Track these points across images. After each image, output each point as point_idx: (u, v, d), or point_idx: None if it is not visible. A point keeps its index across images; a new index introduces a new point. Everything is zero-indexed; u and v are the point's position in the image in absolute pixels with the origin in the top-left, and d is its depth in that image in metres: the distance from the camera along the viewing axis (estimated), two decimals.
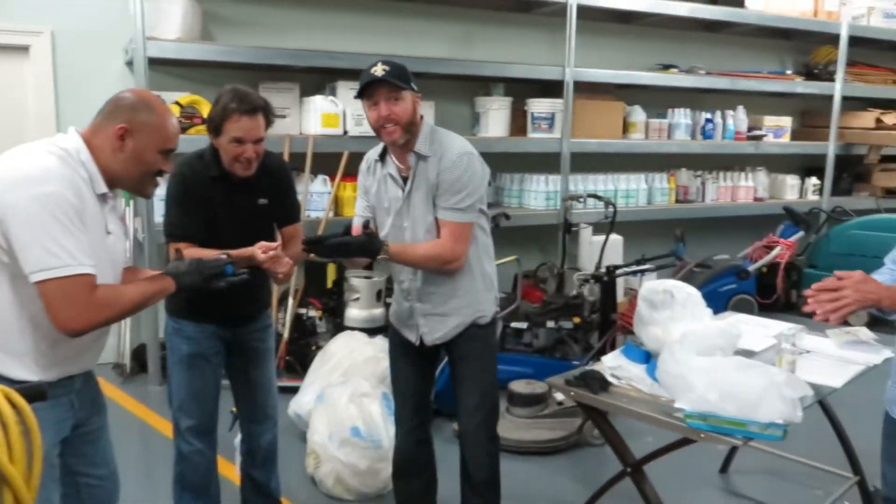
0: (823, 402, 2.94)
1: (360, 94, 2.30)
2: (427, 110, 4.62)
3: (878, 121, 6.18)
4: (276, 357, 4.10)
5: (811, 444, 3.19)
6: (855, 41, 6.13)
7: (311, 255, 2.58)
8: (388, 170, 2.41)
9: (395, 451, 2.63)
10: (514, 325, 4.27)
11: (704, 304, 2.36)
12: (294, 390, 3.59)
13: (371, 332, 3.85)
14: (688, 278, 5.12)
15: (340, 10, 4.76)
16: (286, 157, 4.16)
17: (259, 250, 2.26)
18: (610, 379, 2.32)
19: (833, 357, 2.58)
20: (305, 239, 2.30)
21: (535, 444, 3.46)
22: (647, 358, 2.35)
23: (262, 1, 4.57)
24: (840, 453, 3.08)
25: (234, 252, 2.20)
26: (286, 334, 4.14)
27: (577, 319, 4.23)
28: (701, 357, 2.09)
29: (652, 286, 2.35)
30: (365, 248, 2.27)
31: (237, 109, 2.27)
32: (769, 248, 5.54)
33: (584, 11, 5.02)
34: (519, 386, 3.61)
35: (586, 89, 5.19)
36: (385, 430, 2.97)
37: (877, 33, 6.19)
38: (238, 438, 2.76)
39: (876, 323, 2.60)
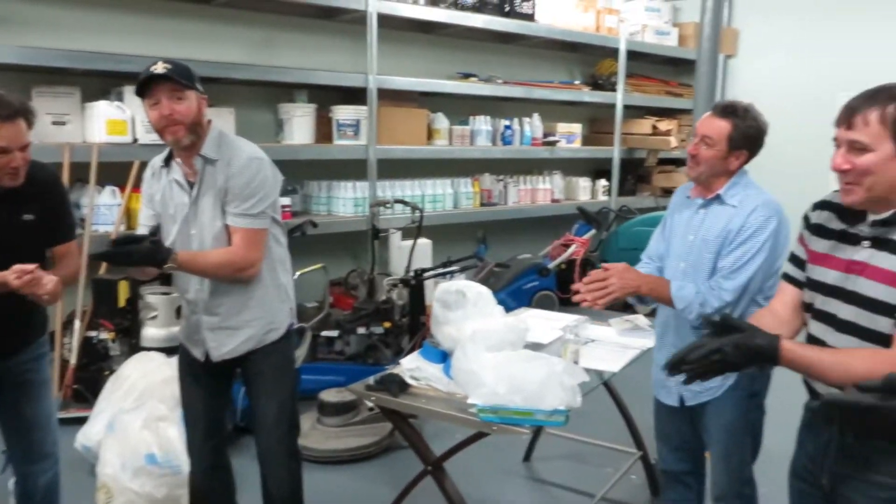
0: (609, 386, 3.20)
1: (140, 93, 2.18)
2: (227, 117, 4.45)
3: (654, 127, 6.84)
4: (63, 386, 3.77)
5: (602, 426, 3.45)
6: (632, 55, 6.73)
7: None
8: (173, 175, 2.30)
9: (190, 479, 2.51)
10: (324, 333, 4.23)
11: (495, 301, 2.47)
12: (84, 421, 3.30)
13: (171, 351, 3.63)
14: (491, 278, 5.37)
15: (130, 11, 4.45)
16: (66, 168, 3.82)
17: (12, 276, 2.03)
18: (409, 381, 2.37)
19: (614, 344, 2.81)
20: (93, 254, 2.13)
21: (346, 452, 3.45)
22: (444, 357, 2.42)
23: None
24: (626, 432, 3.37)
25: None
26: (73, 360, 3.80)
27: (387, 324, 4.28)
28: (490, 352, 2.19)
29: (445, 287, 2.43)
30: (150, 256, 2.13)
31: None
32: (566, 245, 5.94)
33: (385, 20, 5.08)
34: (329, 395, 3.57)
35: (390, 97, 5.26)
36: (185, 455, 2.80)
37: (650, 48, 6.84)
38: (12, 481, 2.49)
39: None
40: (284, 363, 2.45)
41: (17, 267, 2.05)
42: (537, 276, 5.60)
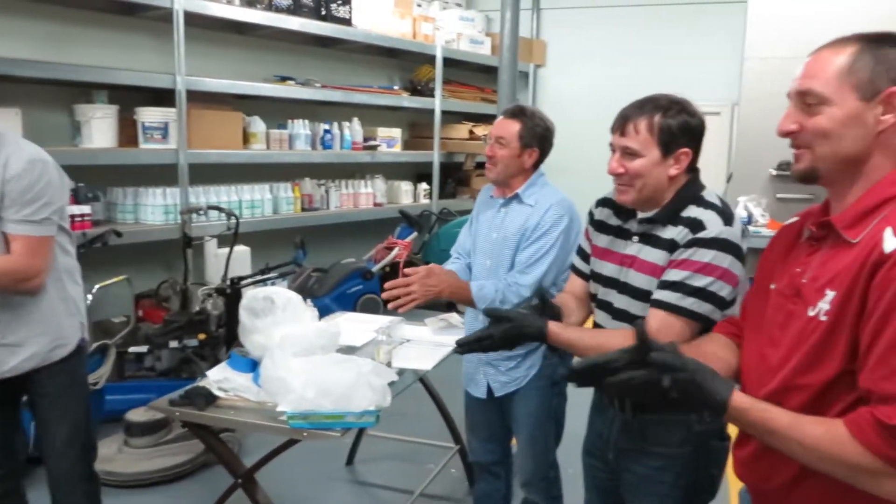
0: (426, 384, 3.28)
1: None
2: (12, 118, 4.05)
3: (471, 132, 7.09)
4: None
5: (423, 424, 3.53)
6: (449, 62, 6.94)
7: None
8: None
9: None
10: (132, 349, 3.97)
11: (305, 306, 2.44)
12: None
13: None
14: (315, 284, 5.31)
15: None
16: None
17: None
18: (217, 392, 2.28)
19: (428, 343, 2.87)
20: None
21: (158, 473, 3.26)
22: (254, 366, 2.36)
23: None
24: (446, 428, 3.47)
25: None
26: None
27: (202, 336, 4.10)
28: (298, 358, 2.16)
29: (252, 294, 2.37)
30: None
31: None
32: (389, 249, 6.00)
33: (193, 18, 4.86)
34: (136, 414, 3.36)
35: (202, 99, 5.05)
36: None
37: (465, 56, 7.09)
38: None
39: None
40: (75, 381, 2.28)
41: None
42: (361, 280, 5.61)
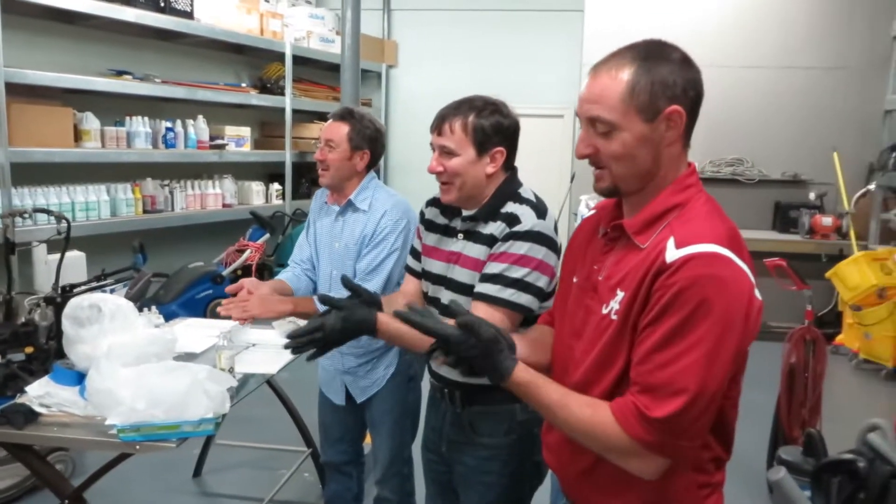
0: (275, 388, 3.22)
1: None
2: None
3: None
4: None
5: (275, 429, 3.46)
6: (299, 60, 6.82)
7: None
8: None
9: None
10: None
11: (136, 314, 2.32)
12: None
13: None
14: (161, 289, 5.06)
15: None
16: None
17: None
18: (38, 409, 2.13)
19: (275, 346, 2.82)
20: None
21: None
22: (80, 379, 2.22)
23: None
24: (297, 432, 3.42)
25: None
26: None
27: (29, 349, 3.77)
28: (127, 367, 2.06)
29: (76, 302, 2.23)
30: None
31: None
32: (241, 251, 5.82)
33: (12, 5, 4.48)
34: None
35: (25, 92, 4.65)
36: None
37: (316, 54, 7.00)
38: None
39: None
40: None
41: None
42: (211, 284, 5.40)
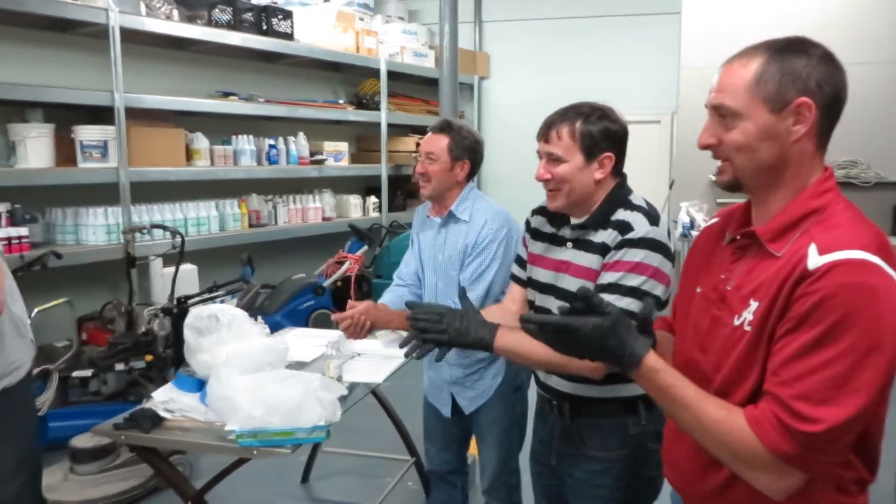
0: (379, 397, 3.27)
1: None
2: None
3: (418, 145, 7.11)
4: None
5: (378, 437, 3.52)
6: (393, 75, 6.96)
7: None
8: None
9: None
10: (76, 374, 3.86)
11: (252, 323, 2.42)
12: None
13: None
14: (265, 300, 5.25)
15: None
16: None
17: None
18: (163, 414, 2.24)
19: (378, 356, 2.87)
20: None
21: (106, 500, 3.18)
22: (200, 386, 2.32)
23: None
24: (400, 441, 3.46)
25: None
26: None
27: (149, 357, 4.01)
28: (245, 375, 2.14)
29: (196, 313, 2.34)
30: None
31: None
32: (340, 263, 5.97)
33: (132, 35, 4.79)
34: (81, 440, 3.27)
35: (142, 116, 4.96)
36: None
37: (409, 69, 7.13)
38: None
39: None
40: (24, 405, 2.24)
41: None
42: (313, 296, 5.56)
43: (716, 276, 1.34)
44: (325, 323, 5.43)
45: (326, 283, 5.69)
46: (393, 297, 2.68)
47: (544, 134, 1.78)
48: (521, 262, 1.99)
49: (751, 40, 1.30)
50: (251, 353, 2.24)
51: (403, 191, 7.29)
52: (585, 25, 7.45)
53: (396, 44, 7.05)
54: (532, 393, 2.62)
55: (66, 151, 4.67)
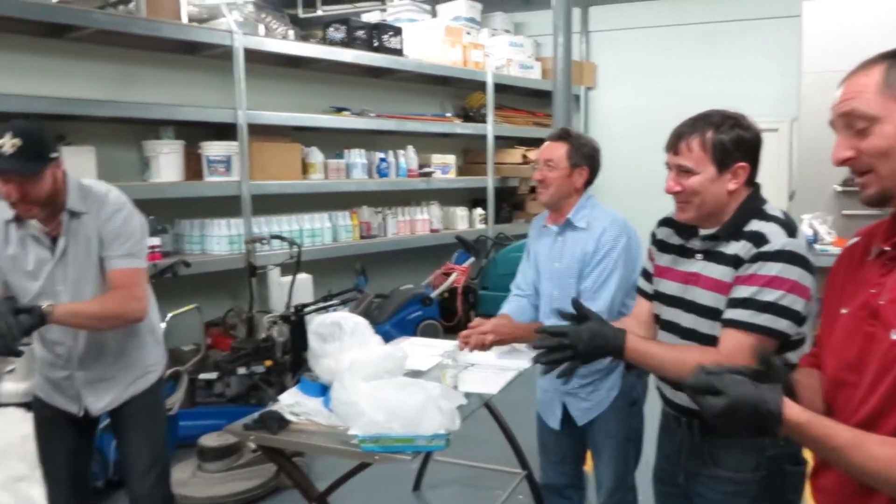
0: (491, 408, 3.27)
1: None
2: (86, 156, 4.25)
3: (525, 157, 7.12)
4: None
5: (488, 448, 3.52)
6: (499, 87, 7.00)
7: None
8: (28, 231, 2.17)
9: None
10: (203, 376, 4.08)
11: (372, 331, 2.48)
12: None
13: (30, 406, 3.39)
14: (375, 310, 5.37)
15: None
16: None
17: None
18: (289, 417, 2.33)
19: (492, 367, 2.88)
20: None
21: (231, 497, 3.33)
22: (324, 391, 2.40)
23: None
24: (512, 453, 3.45)
25: None
26: None
27: (268, 362, 4.19)
28: (367, 382, 2.20)
29: (321, 320, 2.43)
30: (38, 320, 1.98)
31: None
32: (447, 274, 6.04)
33: (253, 55, 5.05)
34: (209, 439, 3.45)
35: (262, 132, 5.21)
36: None
37: (516, 81, 7.15)
38: None
39: None
40: (158, 407, 2.39)
41: None
42: (420, 306, 5.66)
43: (864, 293, 1.26)
44: (432, 333, 5.51)
45: (434, 294, 5.77)
46: (514, 307, 2.69)
47: (673, 145, 1.73)
48: (647, 275, 1.95)
49: (875, 42, 1.25)
50: (373, 360, 2.30)
51: (509, 203, 7.30)
52: (697, 32, 7.24)
53: (503, 56, 7.09)
54: (649, 409, 2.57)
55: (193, 166, 4.96)
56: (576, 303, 1.70)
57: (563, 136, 2.54)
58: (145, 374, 2.33)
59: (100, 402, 2.26)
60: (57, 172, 2.11)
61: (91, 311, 2.13)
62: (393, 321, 5.39)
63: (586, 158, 2.51)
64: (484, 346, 2.51)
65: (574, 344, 1.59)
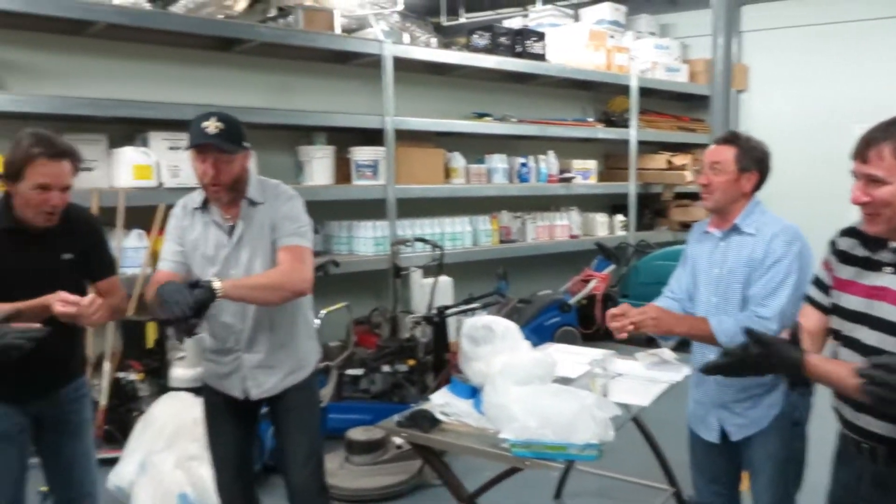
0: (638, 420, 3.18)
1: (189, 146, 2.25)
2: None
3: (669, 162, 6.89)
4: (94, 427, 3.80)
5: (632, 461, 3.42)
6: (644, 91, 6.82)
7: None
8: (211, 217, 2.36)
9: None
10: (349, 372, 4.24)
11: (522, 336, 2.48)
12: (115, 462, 3.32)
13: (198, 391, 3.66)
14: (514, 314, 5.37)
15: (152, 59, 4.59)
16: (94, 212, 3.90)
17: (58, 303, 2.06)
18: (439, 416, 2.37)
19: (641, 378, 2.80)
20: (168, 320, 2.09)
21: (376, 490, 3.44)
22: (474, 393, 2.43)
23: (63, 49, 4.30)
24: (657, 467, 3.33)
25: (26, 304, 2.04)
26: (103, 401, 3.83)
27: (411, 362, 4.29)
28: (519, 386, 2.20)
29: (473, 323, 2.45)
30: (209, 294, 2.11)
31: (42, 154, 2.10)
32: (586, 281, 5.94)
33: (400, 63, 5.20)
34: (357, 433, 3.58)
35: (407, 137, 5.36)
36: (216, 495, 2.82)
37: (661, 84, 6.94)
38: None
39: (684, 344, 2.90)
40: (313, 399, 2.50)
41: (63, 294, 2.08)
42: (558, 312, 5.60)
43: None
44: (569, 340, 5.43)
45: (572, 301, 5.69)
46: (668, 303, 2.60)
47: (861, 153, 1.61)
48: (822, 286, 1.83)
49: None
50: (524, 364, 2.31)
51: (651, 209, 7.09)
52: (861, 29, 6.70)
53: (648, 59, 6.90)
54: (813, 430, 2.41)
55: (342, 170, 5.18)
56: (749, 332, 1.62)
57: (731, 139, 2.44)
58: (302, 366, 2.44)
59: (261, 387, 2.39)
60: (245, 161, 2.30)
61: (258, 281, 2.27)
62: (531, 326, 5.36)
63: (756, 162, 2.39)
64: (637, 330, 2.37)
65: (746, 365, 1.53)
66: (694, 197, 7.05)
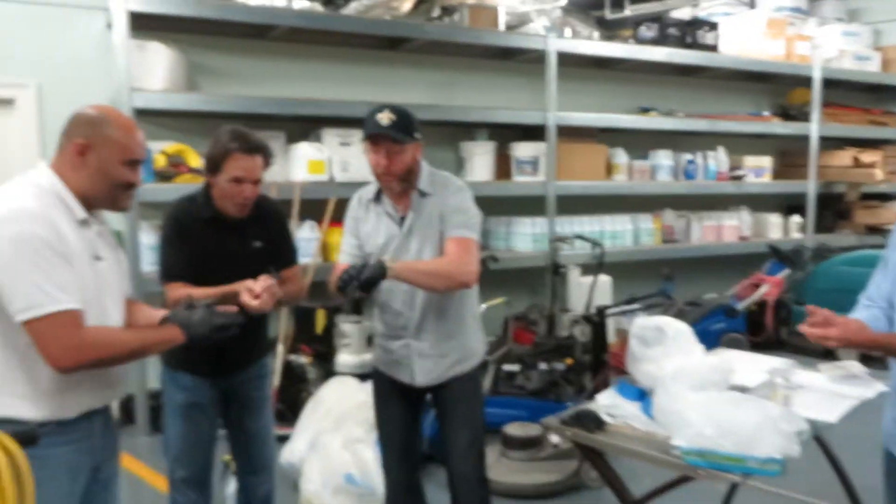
0: (820, 438, 2.93)
1: (364, 137, 2.34)
2: None
3: (856, 159, 6.31)
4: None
5: (809, 482, 3.15)
6: (828, 83, 6.29)
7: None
8: (384, 208, 2.43)
9: (386, 500, 2.59)
10: (506, 367, 4.24)
11: (696, 339, 2.36)
12: (285, 438, 3.53)
13: (362, 377, 3.81)
14: (678, 317, 5.14)
15: (325, 60, 4.84)
16: None
17: (247, 294, 2.20)
18: (605, 418, 2.30)
19: (826, 391, 2.57)
20: (340, 285, 2.21)
21: (532, 487, 3.41)
22: (642, 395, 2.33)
23: (248, 52, 4.63)
24: (838, 490, 3.05)
25: (220, 289, 2.19)
26: (276, 381, 4.09)
27: (569, 361, 4.21)
28: (695, 392, 2.08)
29: (643, 323, 2.36)
30: (380, 271, 2.20)
31: (238, 149, 2.28)
32: (756, 285, 5.57)
33: (563, 58, 5.13)
34: (514, 429, 3.57)
35: (568, 133, 5.27)
36: (380, 477, 2.92)
37: (849, 75, 6.37)
38: (229, 488, 2.70)
39: (867, 358, 2.62)
40: (477, 391, 2.51)
41: (249, 282, 2.21)
42: (724, 318, 5.30)
43: None
44: (736, 347, 5.12)
45: (741, 306, 5.36)
46: (865, 315, 2.34)
47: None
48: None
49: None
50: (698, 369, 2.18)
51: (833, 210, 6.52)
52: None
53: (834, 47, 6.35)
54: None
55: (502, 166, 5.19)
56: None
57: None
58: (468, 357, 2.46)
59: (427, 374, 2.43)
60: (416, 152, 2.35)
61: (426, 267, 2.32)
62: (694, 330, 5.11)
63: None
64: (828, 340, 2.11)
65: None
66: (884, 197, 6.43)
